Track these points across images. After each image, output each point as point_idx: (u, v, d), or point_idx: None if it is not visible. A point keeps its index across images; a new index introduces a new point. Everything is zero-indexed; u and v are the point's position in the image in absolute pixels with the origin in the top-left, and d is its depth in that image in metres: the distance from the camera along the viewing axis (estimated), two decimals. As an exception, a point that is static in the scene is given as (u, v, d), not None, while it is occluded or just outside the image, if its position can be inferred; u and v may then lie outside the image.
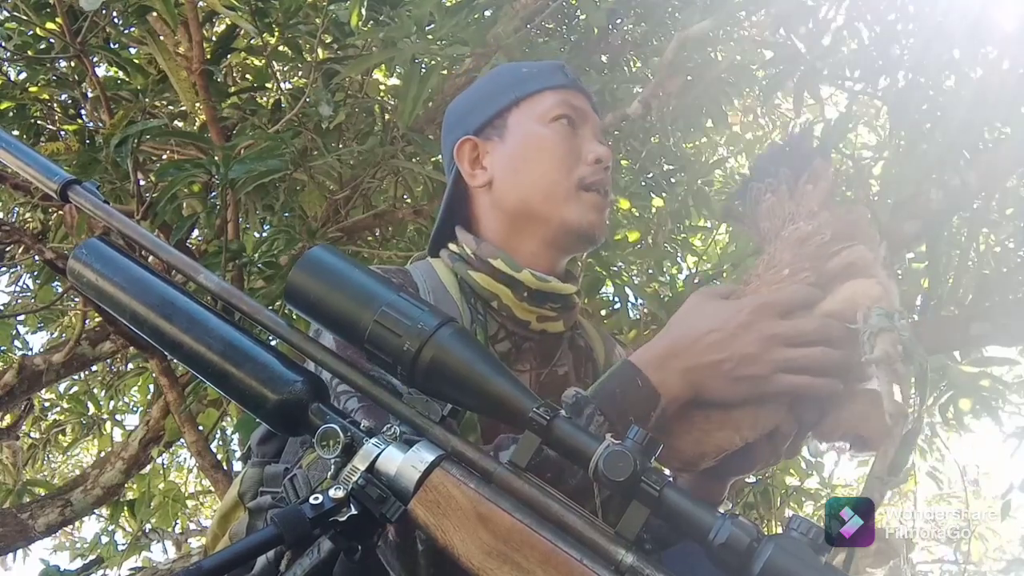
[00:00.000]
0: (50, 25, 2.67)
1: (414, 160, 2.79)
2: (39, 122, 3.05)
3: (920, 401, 0.85)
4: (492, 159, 1.16)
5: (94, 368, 4.18)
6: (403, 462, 0.69)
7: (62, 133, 3.12)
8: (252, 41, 2.87)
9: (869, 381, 0.85)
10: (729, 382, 0.87)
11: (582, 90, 1.19)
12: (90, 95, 2.88)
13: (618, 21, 3.31)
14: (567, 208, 1.11)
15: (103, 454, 4.05)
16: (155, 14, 2.58)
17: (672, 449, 0.90)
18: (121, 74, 2.97)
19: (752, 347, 0.87)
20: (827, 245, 0.92)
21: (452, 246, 1.15)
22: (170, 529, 4.19)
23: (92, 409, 4.32)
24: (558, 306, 1.12)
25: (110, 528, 4.48)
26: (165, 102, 3.01)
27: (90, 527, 5.02)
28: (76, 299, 3.57)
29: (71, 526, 4.45)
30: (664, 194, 3.27)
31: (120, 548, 4.30)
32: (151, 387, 4.09)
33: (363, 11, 2.45)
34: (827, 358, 0.86)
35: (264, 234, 2.85)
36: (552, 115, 1.14)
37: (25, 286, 4.36)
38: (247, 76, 3.33)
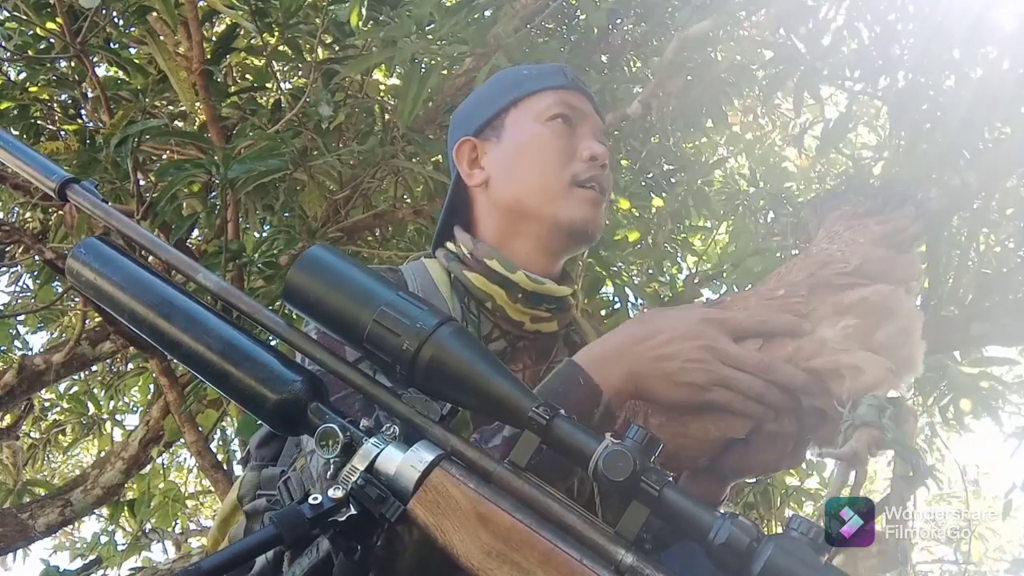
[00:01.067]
0: (50, 25, 2.67)
1: (414, 160, 2.79)
2: (39, 122, 3.04)
3: (911, 488, 0.82)
4: (489, 159, 1.17)
5: (94, 368, 4.18)
6: (402, 462, 0.69)
7: (62, 133, 3.12)
8: (252, 41, 2.87)
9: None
10: (670, 384, 0.88)
11: (583, 90, 1.19)
12: (90, 95, 2.88)
13: (618, 21, 3.31)
14: (560, 205, 1.11)
15: (103, 454, 4.05)
16: (155, 14, 2.58)
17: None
18: (121, 74, 2.97)
19: (694, 353, 0.88)
20: (845, 276, 0.89)
21: (449, 245, 1.16)
22: (170, 529, 4.19)
23: (92, 409, 4.32)
24: (552, 307, 1.12)
25: (110, 528, 4.48)
26: (165, 102, 3.01)
27: (90, 527, 5.02)
28: (76, 299, 3.57)
29: (71, 526, 4.45)
30: (664, 194, 3.27)
31: (120, 548, 4.30)
32: (151, 387, 4.09)
33: (363, 11, 2.45)
34: (766, 392, 0.87)
35: (264, 234, 2.85)
36: (549, 114, 1.14)
37: (25, 286, 4.37)
38: (247, 76, 3.33)
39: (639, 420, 0.92)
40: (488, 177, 1.16)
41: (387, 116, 2.93)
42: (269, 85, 3.04)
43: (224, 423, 3.42)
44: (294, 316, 1.52)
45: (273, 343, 0.82)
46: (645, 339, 0.90)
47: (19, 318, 4.24)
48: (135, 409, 4.78)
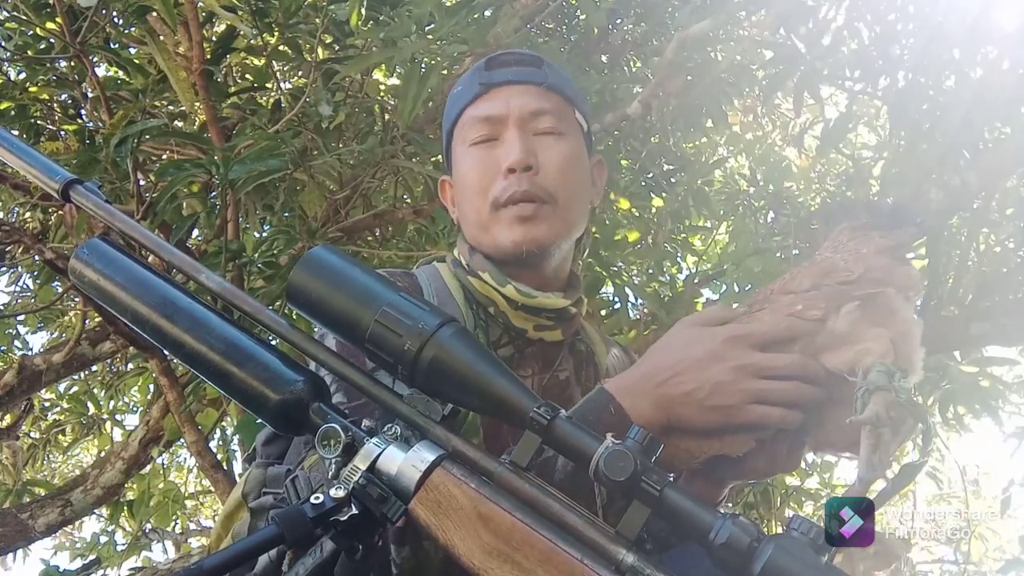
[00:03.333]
0: (50, 25, 2.67)
1: (414, 160, 2.79)
2: (39, 122, 3.04)
3: (924, 450, 0.83)
4: (455, 196, 1.17)
5: (94, 368, 4.18)
6: (404, 462, 0.69)
7: (62, 133, 3.12)
8: (252, 41, 2.87)
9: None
10: (701, 411, 0.87)
11: (505, 80, 1.11)
12: (90, 95, 2.88)
13: (618, 21, 3.31)
14: (490, 234, 1.08)
15: (103, 454, 4.05)
16: (155, 14, 2.58)
17: None
18: (121, 74, 2.97)
19: (723, 376, 0.87)
20: (849, 284, 0.90)
21: (455, 251, 1.16)
22: (170, 529, 4.19)
23: (92, 409, 4.32)
24: (553, 316, 1.11)
25: (110, 528, 4.48)
26: (165, 102, 3.00)
27: (90, 527, 5.02)
28: (76, 299, 3.56)
29: (71, 526, 4.45)
30: (664, 194, 3.27)
31: (120, 548, 4.30)
32: (151, 387, 4.09)
33: (363, 11, 2.45)
34: (800, 392, 0.86)
35: (264, 234, 2.85)
36: (470, 139, 1.10)
37: (25, 286, 4.36)
38: (247, 76, 3.33)
39: None
40: (457, 216, 1.17)
41: (387, 116, 2.93)
42: (269, 85, 3.04)
43: (224, 423, 3.42)
44: (294, 316, 1.52)
45: (275, 343, 0.83)
46: (674, 366, 0.89)
47: (19, 318, 4.24)
48: (135, 409, 4.78)
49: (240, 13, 2.54)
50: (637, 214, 3.36)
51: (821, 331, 0.89)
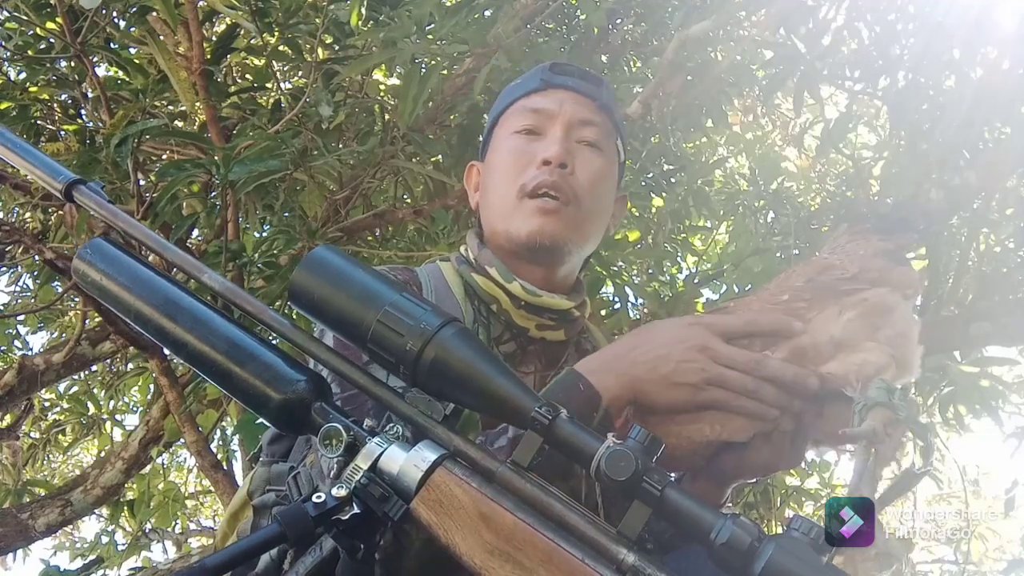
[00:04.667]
0: (50, 25, 2.67)
1: (414, 160, 2.80)
2: (39, 122, 3.04)
3: (925, 463, 0.84)
4: (481, 181, 1.20)
5: (94, 368, 4.18)
6: (405, 461, 0.69)
7: (62, 133, 3.12)
8: (252, 41, 2.87)
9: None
10: (666, 386, 0.90)
11: (564, 85, 1.15)
12: (90, 95, 2.88)
13: (618, 21, 3.31)
14: (511, 221, 1.10)
15: (103, 454, 4.05)
16: (155, 14, 2.58)
17: None
18: (121, 74, 2.97)
19: (686, 355, 0.91)
20: (844, 281, 0.92)
21: (462, 248, 1.18)
22: (170, 529, 4.19)
23: (92, 409, 4.32)
24: (556, 317, 1.12)
25: (110, 528, 4.48)
26: (165, 102, 3.00)
27: (90, 527, 5.02)
28: (76, 299, 3.56)
29: (71, 526, 4.45)
30: (664, 194, 3.27)
31: (120, 548, 4.30)
32: (151, 387, 4.09)
33: (363, 11, 2.45)
34: (758, 388, 0.89)
35: (264, 234, 2.85)
36: (516, 126, 1.13)
37: (25, 286, 4.36)
38: (247, 76, 3.33)
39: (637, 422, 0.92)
40: (478, 201, 1.19)
41: (387, 116, 2.93)
42: (269, 85, 3.04)
43: (224, 423, 3.42)
44: (295, 315, 1.52)
45: (277, 343, 0.83)
46: (639, 345, 0.93)
47: (19, 318, 4.24)
48: (135, 409, 4.78)
49: (240, 12, 2.54)
50: (637, 214, 3.36)
51: (791, 331, 0.91)
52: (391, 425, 0.73)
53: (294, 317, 1.53)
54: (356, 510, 0.68)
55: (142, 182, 2.61)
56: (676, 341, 0.92)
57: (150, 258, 1.11)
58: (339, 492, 0.68)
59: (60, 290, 3.53)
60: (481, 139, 1.22)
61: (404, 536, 0.74)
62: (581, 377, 0.91)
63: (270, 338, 0.83)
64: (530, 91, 1.15)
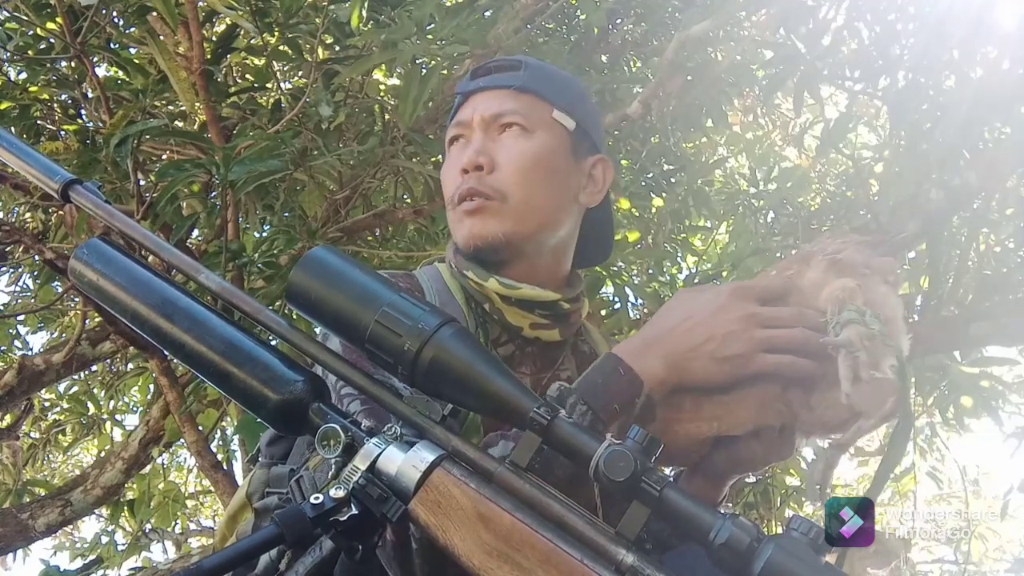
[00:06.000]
0: (50, 25, 2.67)
1: (414, 160, 2.80)
2: (39, 122, 3.04)
3: (903, 395, 0.85)
4: None
5: (94, 368, 4.18)
6: (404, 462, 0.69)
7: (62, 133, 3.12)
8: (252, 41, 2.87)
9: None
10: (712, 363, 0.87)
11: (477, 88, 1.14)
12: (90, 95, 2.88)
13: (618, 21, 3.32)
14: (455, 232, 1.12)
15: (103, 454, 4.05)
16: (155, 14, 2.58)
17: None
18: (121, 74, 2.97)
19: (732, 326, 0.88)
20: (826, 257, 0.94)
21: (446, 253, 1.17)
22: (170, 529, 4.19)
23: (92, 409, 4.32)
24: (548, 313, 1.10)
25: (110, 528, 4.48)
26: (165, 102, 3.01)
27: (90, 527, 5.02)
28: (76, 299, 3.56)
29: (71, 526, 4.45)
30: (664, 194, 3.28)
31: (120, 548, 4.30)
32: (151, 387, 4.09)
33: (364, 12, 2.45)
34: (807, 339, 0.87)
35: (264, 234, 2.85)
36: (447, 145, 1.17)
37: (25, 286, 4.36)
38: (247, 76, 3.33)
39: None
40: None
41: (387, 116, 2.93)
42: (269, 85, 3.04)
43: (224, 423, 3.42)
44: (294, 316, 1.52)
45: (275, 343, 0.83)
46: (680, 323, 0.90)
47: (19, 318, 4.24)
48: (135, 409, 4.79)
49: (240, 12, 2.54)
50: (637, 214, 3.36)
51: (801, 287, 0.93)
52: (389, 426, 0.72)
53: (294, 318, 1.53)
54: (354, 511, 0.68)
55: (142, 182, 2.61)
56: (718, 312, 0.89)
57: (149, 259, 1.11)
58: (337, 493, 0.68)
59: (60, 290, 3.53)
60: None
61: (399, 540, 0.74)
62: (620, 361, 0.88)
63: (269, 339, 0.83)
64: (456, 108, 1.17)
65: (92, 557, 4.26)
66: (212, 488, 3.55)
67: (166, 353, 0.93)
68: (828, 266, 0.92)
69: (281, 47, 2.69)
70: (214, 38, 2.90)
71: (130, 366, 4.01)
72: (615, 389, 0.86)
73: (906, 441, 0.84)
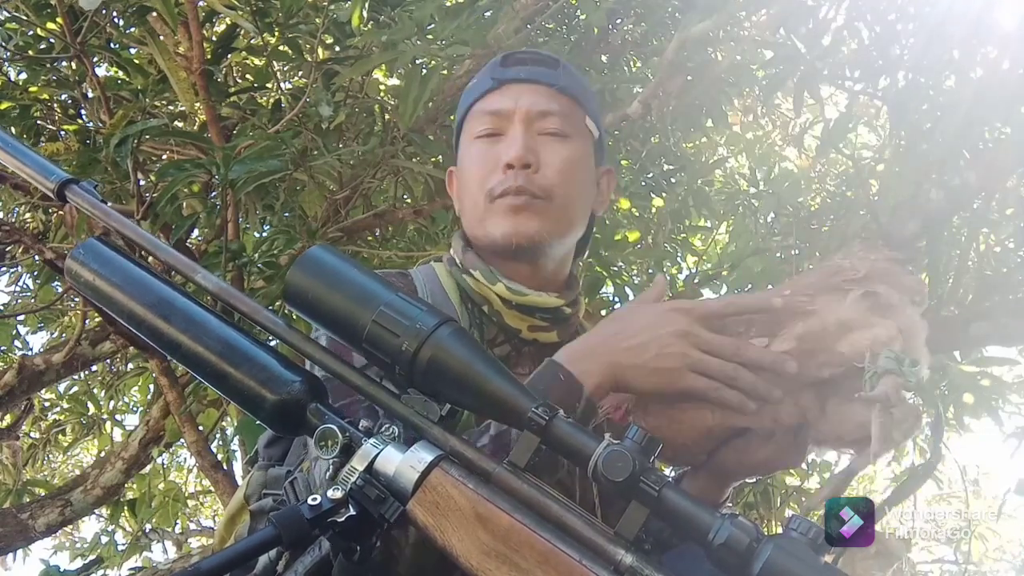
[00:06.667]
0: (50, 25, 2.67)
1: (414, 160, 2.79)
2: (39, 122, 3.04)
3: (935, 440, 0.85)
4: (457, 187, 1.19)
5: (94, 368, 4.18)
6: (401, 462, 0.69)
7: (62, 133, 3.12)
8: (252, 41, 2.87)
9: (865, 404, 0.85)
10: (645, 373, 0.89)
11: (517, 78, 1.12)
12: (90, 95, 2.88)
13: (618, 21, 3.31)
14: (483, 225, 1.09)
15: (103, 454, 4.05)
16: (155, 14, 2.58)
17: None
18: (121, 74, 2.97)
19: (666, 339, 0.89)
20: (853, 282, 0.92)
21: (450, 250, 1.16)
22: (170, 529, 4.19)
23: (92, 409, 4.32)
24: (548, 316, 1.10)
25: (110, 528, 4.48)
26: (165, 102, 3.00)
27: (90, 527, 5.02)
28: (76, 299, 3.56)
29: (71, 526, 4.45)
30: (664, 194, 3.28)
31: (120, 548, 4.30)
32: (151, 387, 4.09)
33: (364, 12, 2.45)
34: (738, 376, 0.88)
35: (264, 234, 2.85)
36: (476, 131, 1.12)
37: (25, 286, 4.36)
38: (247, 76, 3.33)
39: (637, 410, 0.93)
40: (459, 207, 1.19)
41: (387, 116, 2.92)
42: (269, 85, 3.04)
43: (224, 423, 3.42)
44: (294, 316, 1.52)
45: (273, 344, 0.82)
46: (619, 332, 0.92)
47: (19, 318, 4.24)
48: (135, 409, 4.79)
49: (240, 12, 2.54)
50: (637, 214, 3.37)
51: (770, 307, 0.91)
52: (387, 426, 0.72)
53: (293, 318, 1.53)
54: (352, 512, 0.67)
55: (142, 182, 2.61)
56: (657, 326, 0.90)
57: (148, 260, 1.11)
58: (335, 494, 0.68)
59: (60, 290, 3.53)
60: (454, 146, 1.22)
61: (396, 541, 0.74)
62: (560, 367, 0.90)
63: (266, 339, 0.83)
64: (485, 92, 1.13)
65: (92, 557, 4.26)
66: (212, 488, 3.55)
67: (164, 353, 0.92)
68: (868, 306, 0.90)
69: (281, 47, 2.69)
70: (214, 38, 2.90)
71: (130, 366, 4.01)
72: (557, 394, 0.87)
73: (926, 477, 0.84)
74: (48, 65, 2.78)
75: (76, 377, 4.11)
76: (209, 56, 2.53)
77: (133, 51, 3.00)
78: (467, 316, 1.09)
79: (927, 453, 3.89)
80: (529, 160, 1.07)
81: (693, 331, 0.90)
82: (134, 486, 4.06)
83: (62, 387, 4.34)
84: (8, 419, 4.38)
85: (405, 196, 3.12)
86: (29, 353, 4.15)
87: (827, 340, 0.89)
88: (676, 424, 0.91)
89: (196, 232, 3.22)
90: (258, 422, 0.78)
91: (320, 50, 2.75)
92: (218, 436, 3.49)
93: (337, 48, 2.77)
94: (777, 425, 0.91)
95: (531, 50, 1.18)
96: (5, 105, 2.87)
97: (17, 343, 4.38)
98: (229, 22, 2.73)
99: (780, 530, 0.80)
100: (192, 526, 5.09)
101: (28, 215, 3.68)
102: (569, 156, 1.10)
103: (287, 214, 2.90)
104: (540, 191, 1.07)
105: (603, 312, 3.03)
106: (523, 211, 1.07)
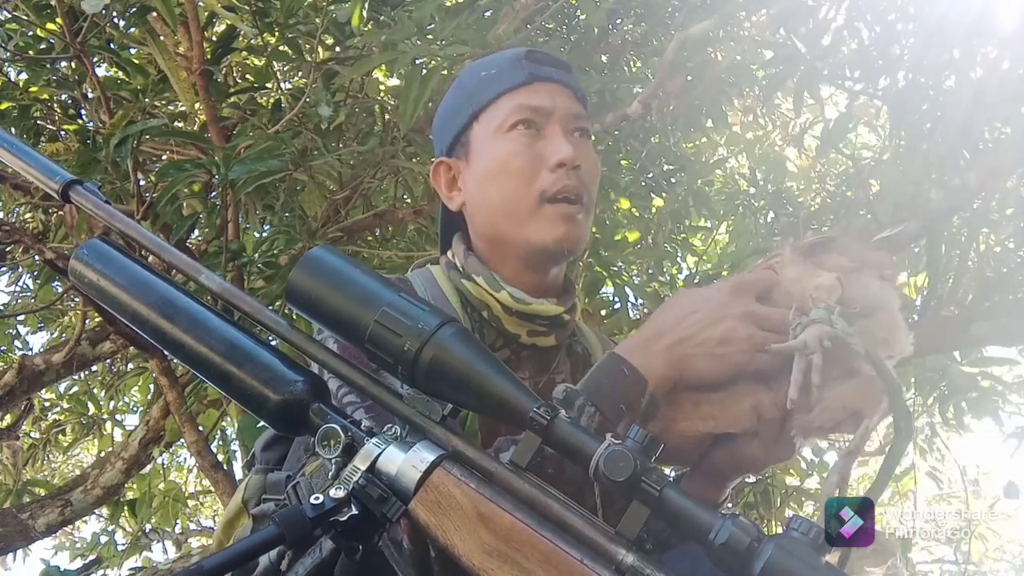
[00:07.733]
0: (50, 26, 2.68)
1: (414, 160, 2.80)
2: (39, 122, 3.04)
3: (895, 392, 0.85)
4: (463, 180, 1.13)
5: (94, 368, 4.18)
6: (404, 462, 0.69)
7: (62, 133, 3.12)
8: (252, 41, 2.87)
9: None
10: (713, 360, 0.87)
11: (548, 78, 1.10)
12: (90, 95, 2.88)
13: (618, 21, 3.32)
14: (530, 226, 1.05)
15: (103, 454, 4.05)
16: (155, 14, 2.58)
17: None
18: (121, 74, 2.97)
19: (732, 323, 0.88)
20: (822, 242, 0.94)
21: (449, 254, 1.15)
22: (170, 529, 4.19)
23: (92, 409, 4.32)
24: (547, 322, 1.10)
25: (110, 528, 4.48)
26: (165, 102, 3.01)
27: (90, 527, 5.03)
28: (76, 299, 3.57)
29: (71, 526, 4.45)
30: (664, 194, 3.28)
31: (120, 548, 4.31)
32: (151, 387, 4.09)
33: (364, 12, 2.45)
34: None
35: (264, 234, 2.85)
36: (509, 123, 1.07)
37: (25, 286, 4.37)
38: (247, 76, 3.33)
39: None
40: (464, 201, 1.13)
41: (387, 116, 2.93)
42: (269, 85, 3.04)
43: (224, 423, 3.42)
44: (294, 316, 1.52)
45: (275, 344, 0.82)
46: (682, 320, 0.90)
47: (19, 318, 4.24)
48: (135, 409, 4.79)
49: (240, 13, 2.54)
50: (637, 214, 3.36)
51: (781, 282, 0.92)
52: (389, 426, 0.72)
53: (294, 318, 1.53)
54: (354, 511, 0.67)
55: (142, 182, 2.61)
56: (719, 309, 0.88)
57: (149, 259, 1.11)
58: (337, 493, 0.68)
59: (60, 290, 3.54)
60: (452, 135, 1.15)
61: (398, 541, 0.74)
62: (623, 360, 0.88)
63: (269, 339, 0.83)
64: (516, 85, 1.09)
65: (92, 557, 4.27)
66: (212, 488, 3.55)
67: (166, 353, 0.92)
68: (807, 261, 0.91)
69: (281, 47, 2.69)
70: (214, 38, 2.90)
71: (130, 366, 4.01)
72: (621, 389, 0.86)
73: (907, 439, 0.84)
74: (48, 65, 2.78)
75: (76, 377, 4.12)
76: (209, 56, 2.53)
77: (133, 51, 3.00)
78: (467, 320, 1.08)
79: (927, 453, 3.90)
80: (579, 161, 1.06)
81: (753, 309, 0.89)
82: (134, 486, 4.06)
83: (62, 387, 4.35)
84: (8, 419, 4.38)
85: (405, 196, 3.12)
86: (29, 353, 4.16)
87: (787, 301, 0.90)
88: (670, 433, 0.90)
89: (196, 232, 3.23)
90: (260, 422, 0.78)
91: (320, 50, 2.75)
92: (218, 436, 3.50)
93: (337, 48, 2.77)
94: (761, 422, 0.91)
95: (545, 51, 1.16)
96: (5, 105, 2.87)
97: (17, 343, 4.39)
98: (229, 23, 2.73)
99: (780, 530, 0.80)
100: (192, 526, 5.09)
101: (28, 215, 3.68)
102: (596, 160, 1.12)
103: (287, 214, 2.90)
104: (585, 195, 1.07)
105: (603, 312, 3.04)
106: (573, 220, 1.06)
